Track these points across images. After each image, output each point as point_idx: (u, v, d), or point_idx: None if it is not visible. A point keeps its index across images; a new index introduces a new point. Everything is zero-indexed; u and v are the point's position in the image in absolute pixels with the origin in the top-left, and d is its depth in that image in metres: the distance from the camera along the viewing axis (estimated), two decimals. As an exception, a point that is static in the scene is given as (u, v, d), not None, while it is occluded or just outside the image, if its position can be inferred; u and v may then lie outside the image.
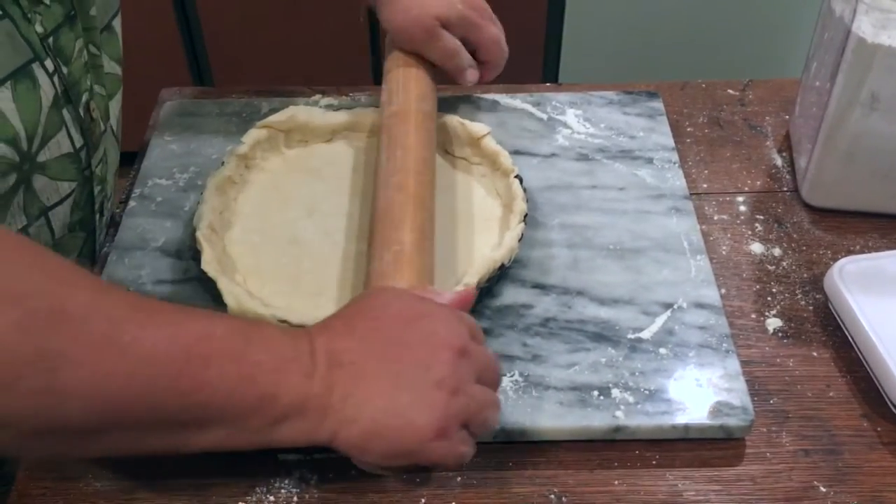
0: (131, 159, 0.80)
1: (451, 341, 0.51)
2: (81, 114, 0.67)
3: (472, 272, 0.65)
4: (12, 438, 0.46)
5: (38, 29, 0.61)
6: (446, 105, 0.83)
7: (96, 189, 0.72)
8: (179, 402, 0.47)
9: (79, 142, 0.67)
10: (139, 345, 0.46)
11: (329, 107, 0.83)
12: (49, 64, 0.62)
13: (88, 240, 0.74)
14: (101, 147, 0.72)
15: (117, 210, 0.76)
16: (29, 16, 0.60)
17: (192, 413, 0.48)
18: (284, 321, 0.62)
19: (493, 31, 0.78)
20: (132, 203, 0.75)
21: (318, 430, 0.49)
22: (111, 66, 0.73)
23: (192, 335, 0.48)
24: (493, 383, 0.54)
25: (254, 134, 0.77)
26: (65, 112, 0.65)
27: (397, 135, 0.70)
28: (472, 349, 0.52)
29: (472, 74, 0.78)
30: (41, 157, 0.63)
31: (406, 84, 0.75)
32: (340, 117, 0.80)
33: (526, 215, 0.70)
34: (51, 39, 0.62)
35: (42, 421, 0.45)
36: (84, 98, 0.67)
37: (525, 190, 0.72)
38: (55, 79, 0.63)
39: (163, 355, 0.46)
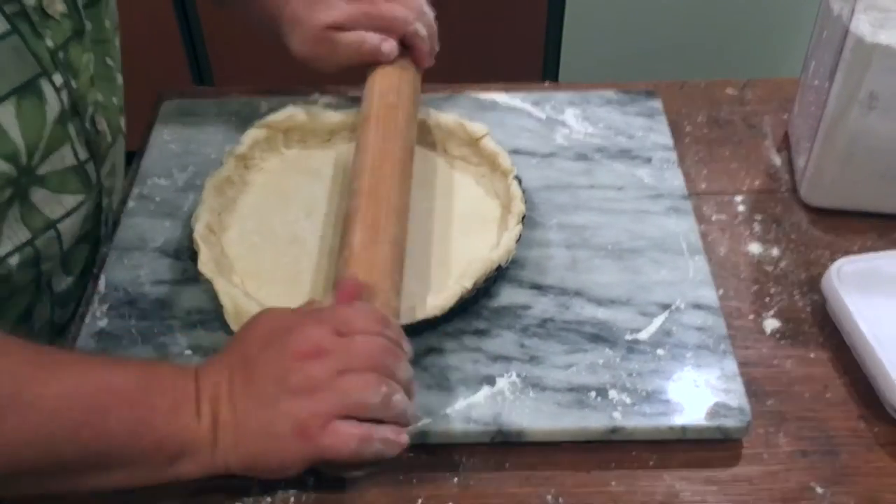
0: (130, 159, 0.80)
1: (299, 348, 0.54)
2: (87, 127, 0.67)
3: (469, 273, 0.65)
4: None
5: (49, 43, 0.61)
6: (446, 104, 0.83)
7: (104, 201, 0.72)
8: (81, 452, 0.52)
9: (84, 155, 0.67)
10: (42, 402, 0.50)
11: (328, 106, 0.83)
12: (57, 78, 0.62)
13: (92, 250, 0.74)
14: (110, 160, 0.72)
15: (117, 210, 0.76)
16: (39, 30, 0.60)
17: (94, 460, 0.52)
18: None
19: (392, 11, 0.75)
20: (131, 203, 0.75)
21: (212, 462, 0.54)
22: (119, 78, 0.74)
23: (91, 388, 0.53)
24: (367, 367, 0.54)
25: (252, 134, 0.77)
26: (70, 126, 0.65)
27: (360, 140, 0.69)
28: (329, 346, 0.54)
29: (386, 46, 0.74)
30: (41, 171, 0.63)
31: (370, 87, 0.74)
32: (340, 117, 0.80)
33: (524, 217, 0.69)
34: (61, 54, 0.62)
35: None
36: (90, 111, 0.68)
37: (524, 191, 0.72)
38: (62, 93, 0.63)
39: (64, 410, 0.51)
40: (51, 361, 0.54)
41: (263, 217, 0.73)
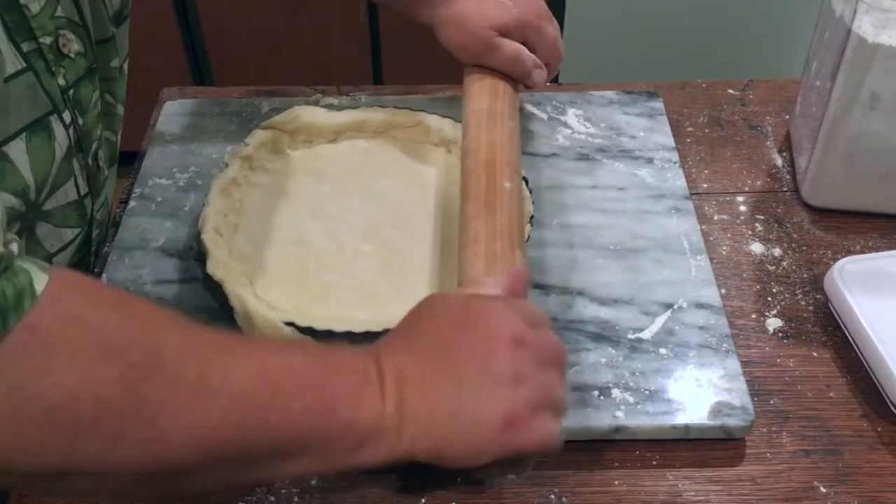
0: (131, 159, 0.80)
1: (503, 334, 0.52)
2: (90, 163, 0.67)
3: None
4: (115, 485, 0.48)
5: (61, 82, 0.61)
6: (446, 105, 0.83)
7: (94, 232, 0.72)
8: (268, 438, 0.48)
9: (84, 189, 0.67)
10: (228, 386, 0.47)
11: (329, 107, 0.83)
12: (67, 116, 0.62)
13: None
14: (104, 193, 0.72)
15: (117, 210, 0.76)
16: (53, 69, 0.60)
17: (280, 447, 0.49)
18: (290, 324, 0.62)
19: (552, 31, 0.77)
20: (132, 203, 0.75)
21: (396, 448, 0.50)
22: (119, 110, 0.74)
23: (274, 371, 0.49)
24: (557, 364, 0.53)
25: (258, 135, 0.77)
26: (74, 161, 0.65)
27: (471, 143, 0.69)
28: (528, 336, 0.52)
29: (538, 75, 0.76)
30: (47, 206, 0.63)
31: (478, 91, 0.74)
32: (345, 117, 0.80)
33: (532, 217, 0.70)
34: (71, 91, 0.62)
35: (143, 468, 0.46)
36: (94, 147, 0.68)
37: (531, 191, 0.72)
38: (71, 130, 0.63)
39: (250, 394, 0.48)
40: (231, 345, 0.51)
41: (270, 218, 0.73)
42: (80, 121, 0.64)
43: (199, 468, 0.48)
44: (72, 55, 0.61)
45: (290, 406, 0.48)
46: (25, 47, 0.57)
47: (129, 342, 0.46)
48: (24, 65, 0.57)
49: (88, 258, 0.73)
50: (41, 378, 0.43)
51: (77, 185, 0.66)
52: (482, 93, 0.73)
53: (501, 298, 0.56)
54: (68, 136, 0.63)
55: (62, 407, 0.43)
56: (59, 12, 0.59)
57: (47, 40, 0.59)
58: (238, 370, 0.48)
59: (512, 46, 0.74)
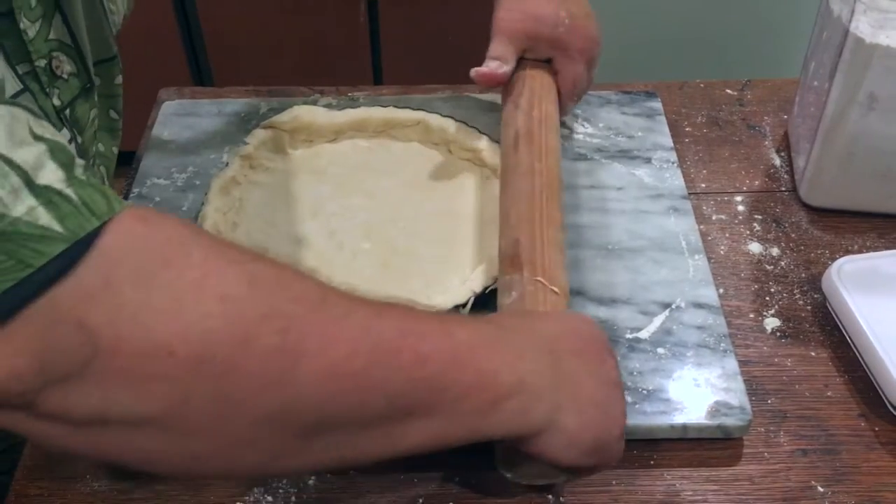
0: (130, 159, 0.81)
1: (605, 345, 0.54)
2: None
3: (480, 278, 0.65)
4: (246, 428, 0.42)
5: (56, 102, 0.61)
6: (446, 105, 0.83)
7: None
8: (401, 379, 0.45)
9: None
10: (357, 320, 0.44)
11: (329, 107, 0.83)
12: (65, 133, 0.62)
13: None
14: None
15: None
16: (47, 90, 0.60)
17: (411, 396, 0.45)
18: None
19: (575, 70, 0.77)
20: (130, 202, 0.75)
21: (532, 413, 0.48)
22: (120, 124, 0.74)
23: (398, 315, 0.47)
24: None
25: (258, 134, 0.77)
26: None
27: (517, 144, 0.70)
28: (612, 351, 0.54)
29: (482, 75, 0.75)
30: None
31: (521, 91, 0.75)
32: (345, 117, 0.80)
33: None
34: (67, 111, 0.63)
35: (275, 399, 0.42)
36: (91, 162, 0.68)
37: None
38: (71, 147, 0.63)
39: (379, 329, 0.45)
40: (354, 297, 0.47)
41: (269, 217, 0.73)
42: (79, 139, 0.65)
43: (321, 420, 0.44)
44: (64, 76, 0.62)
45: (422, 345, 0.45)
46: (21, 69, 0.58)
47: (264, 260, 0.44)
48: (22, 86, 0.58)
49: None
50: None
51: None
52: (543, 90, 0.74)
53: (581, 316, 0.58)
54: None
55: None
56: (51, 35, 0.60)
57: (41, 63, 0.60)
58: (364, 309, 0.45)
59: (499, 47, 0.75)
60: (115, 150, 0.74)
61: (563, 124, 0.82)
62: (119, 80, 0.70)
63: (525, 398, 0.48)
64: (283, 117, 0.78)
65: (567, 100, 0.78)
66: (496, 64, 0.75)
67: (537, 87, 0.75)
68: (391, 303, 0.48)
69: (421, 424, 0.46)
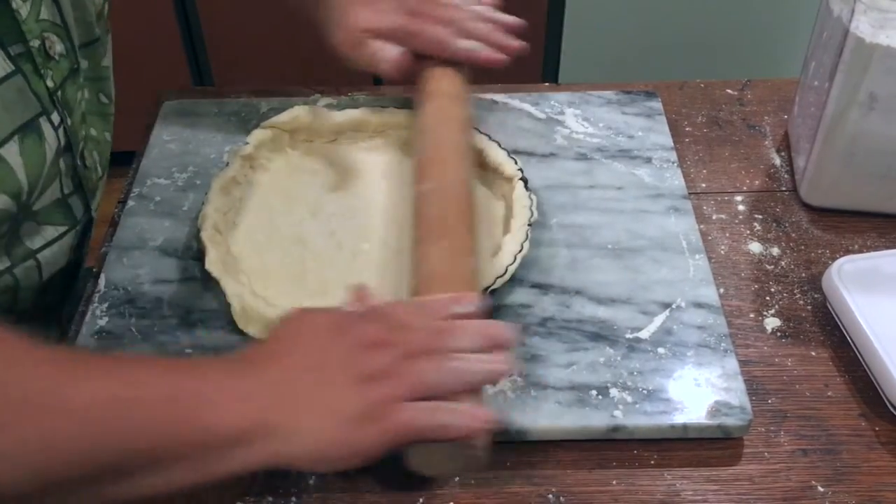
0: (130, 159, 0.80)
1: (363, 340, 0.54)
2: (77, 162, 0.67)
3: (483, 277, 0.65)
4: None
5: (49, 83, 0.61)
6: (445, 105, 0.83)
7: (93, 232, 0.72)
8: (128, 451, 0.49)
9: (68, 188, 0.67)
10: (77, 404, 0.48)
11: (329, 107, 0.83)
12: (55, 117, 0.62)
13: (72, 278, 0.74)
14: (100, 192, 0.72)
15: (116, 209, 0.76)
16: (42, 71, 0.60)
17: (144, 459, 0.49)
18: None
19: (433, 33, 0.75)
20: (131, 202, 0.75)
21: (269, 452, 0.51)
22: (111, 109, 0.74)
23: (121, 382, 0.50)
24: (429, 351, 0.54)
25: (258, 134, 0.77)
26: (61, 161, 0.65)
27: (419, 144, 0.70)
28: (389, 338, 0.54)
29: (393, 65, 0.74)
30: (36, 206, 0.63)
31: (423, 93, 0.74)
32: (345, 117, 0.80)
33: (531, 217, 0.70)
34: (59, 93, 0.63)
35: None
36: (80, 146, 0.68)
37: (530, 191, 0.72)
38: (60, 131, 0.63)
39: (102, 410, 0.48)
40: (83, 362, 0.52)
41: (269, 217, 0.73)
42: (69, 121, 0.64)
43: (62, 487, 0.48)
44: (56, 57, 0.62)
45: (146, 417, 0.49)
46: (13, 51, 0.58)
47: None
48: (13, 68, 0.58)
49: (84, 258, 0.73)
50: None
51: (62, 184, 0.66)
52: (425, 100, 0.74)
53: (366, 309, 0.57)
54: (58, 137, 0.63)
55: None
56: (42, 15, 0.60)
57: (35, 43, 0.59)
58: (88, 388, 0.49)
59: (376, 47, 0.74)
60: (109, 136, 0.73)
61: (562, 124, 0.82)
62: (106, 62, 0.70)
63: (255, 443, 0.50)
64: (283, 117, 0.78)
65: (446, 53, 0.75)
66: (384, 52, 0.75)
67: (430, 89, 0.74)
68: (143, 359, 0.54)
69: (170, 473, 0.50)
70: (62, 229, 0.68)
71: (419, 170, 0.68)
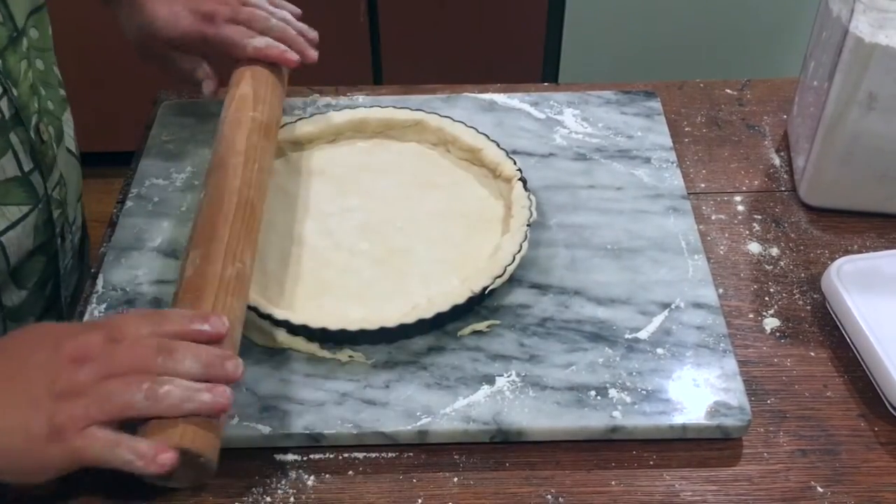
0: (128, 159, 0.80)
1: (69, 353, 0.53)
2: (32, 136, 0.66)
3: (480, 280, 0.65)
4: None
5: None
6: (445, 105, 0.83)
7: (55, 213, 0.71)
8: None
9: (28, 165, 0.66)
10: None
11: (328, 107, 0.83)
12: None
13: (50, 264, 0.73)
14: (57, 170, 0.71)
15: (114, 210, 0.76)
16: None
17: None
18: (285, 321, 0.62)
19: (227, 34, 0.75)
20: (129, 203, 0.75)
21: None
22: (60, 90, 0.73)
23: None
24: (131, 370, 0.53)
25: None
26: (12, 136, 0.64)
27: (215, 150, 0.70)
28: (97, 352, 0.53)
29: (206, 86, 0.77)
30: None
31: (228, 95, 0.74)
32: (344, 117, 0.80)
33: (530, 217, 0.70)
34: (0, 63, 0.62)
35: None
36: (34, 120, 0.67)
37: (529, 191, 0.72)
38: (3, 102, 0.62)
39: None
40: None
41: (267, 217, 0.72)
42: (15, 92, 0.63)
43: None
44: None
45: None
46: None
47: None
48: None
49: (54, 240, 0.73)
50: None
51: (18, 161, 0.65)
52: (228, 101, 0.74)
53: (96, 320, 0.57)
54: (1, 109, 0.62)
55: None
56: None
57: None
58: None
59: (184, 60, 0.76)
60: (60, 109, 0.72)
61: (561, 124, 0.82)
62: (50, 30, 0.69)
63: None
64: (282, 134, 0.77)
65: (241, 51, 0.76)
66: (198, 72, 0.78)
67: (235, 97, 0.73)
68: None
69: None
70: (25, 209, 0.67)
71: (204, 177, 0.67)
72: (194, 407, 0.52)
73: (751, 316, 0.68)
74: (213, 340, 0.55)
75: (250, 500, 0.57)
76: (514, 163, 0.74)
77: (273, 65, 0.76)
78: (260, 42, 0.75)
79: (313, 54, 0.78)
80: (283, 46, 0.76)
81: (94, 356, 0.53)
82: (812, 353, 0.66)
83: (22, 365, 0.53)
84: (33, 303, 0.73)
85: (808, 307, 0.69)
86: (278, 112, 0.75)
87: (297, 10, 0.80)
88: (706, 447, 0.60)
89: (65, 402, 0.51)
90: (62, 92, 0.75)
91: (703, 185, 0.79)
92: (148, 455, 0.51)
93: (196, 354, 0.54)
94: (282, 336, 0.64)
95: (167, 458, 0.51)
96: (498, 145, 0.76)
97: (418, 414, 0.60)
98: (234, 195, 0.64)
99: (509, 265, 0.66)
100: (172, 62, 0.77)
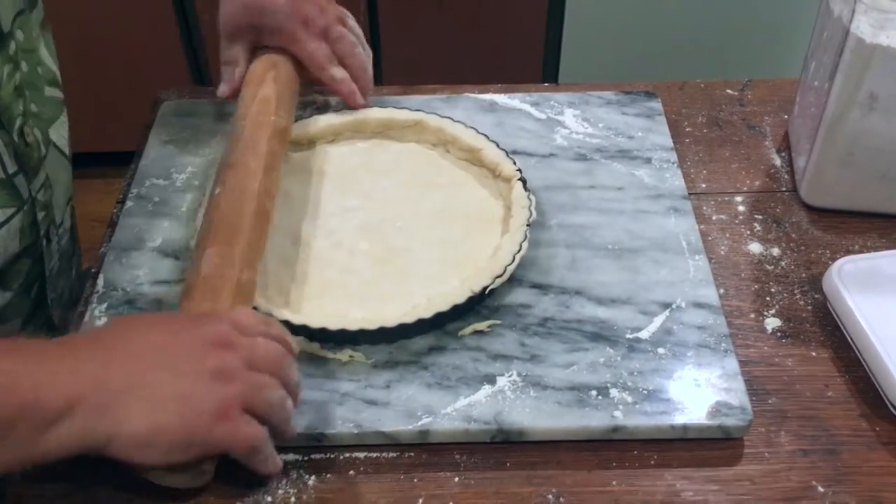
0: (129, 159, 0.80)
1: (212, 337, 0.54)
2: (15, 139, 0.66)
3: (480, 279, 0.65)
4: None
5: None
6: (445, 105, 0.83)
7: (40, 216, 0.71)
8: None
9: (12, 168, 0.66)
10: None
11: (328, 107, 0.83)
12: None
13: (35, 266, 0.73)
14: (42, 173, 0.71)
15: (114, 210, 0.76)
16: None
17: None
18: (286, 321, 0.62)
19: (310, 48, 0.77)
20: (129, 203, 0.75)
21: (94, 430, 0.50)
22: (50, 91, 0.73)
23: None
24: (269, 369, 0.55)
25: None
26: None
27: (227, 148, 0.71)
28: (238, 341, 0.54)
29: (223, 90, 0.79)
30: None
31: (244, 91, 0.76)
32: (344, 118, 0.80)
33: (530, 217, 0.69)
34: None
35: None
36: (18, 123, 0.66)
37: (529, 192, 0.71)
38: None
39: None
40: None
41: (266, 216, 0.73)
42: None
43: None
44: None
45: None
46: None
47: None
48: None
49: (39, 242, 0.72)
50: None
51: (2, 163, 0.65)
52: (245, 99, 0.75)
53: (211, 312, 0.58)
54: None
55: None
56: None
57: None
58: None
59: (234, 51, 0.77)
60: (47, 112, 0.72)
61: (561, 124, 0.82)
62: (35, 33, 0.69)
63: (79, 418, 0.49)
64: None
65: (319, 72, 0.78)
66: (229, 70, 0.78)
67: (263, 92, 0.74)
68: None
69: None
70: (9, 211, 0.67)
71: (219, 172, 0.68)
72: (288, 430, 0.56)
73: (752, 316, 0.68)
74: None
75: (251, 499, 0.57)
76: (514, 163, 0.74)
77: (296, 65, 0.78)
78: (338, 73, 0.78)
79: (366, 101, 0.80)
80: (353, 87, 0.78)
81: (235, 344, 0.54)
82: (813, 353, 0.66)
83: (169, 338, 0.54)
84: (18, 304, 0.72)
85: (810, 307, 0.69)
86: (293, 118, 0.76)
87: (371, 55, 0.82)
88: (707, 447, 0.60)
89: (222, 383, 0.52)
90: (58, 93, 0.74)
91: (703, 186, 0.79)
92: (279, 465, 0.55)
93: (295, 374, 0.57)
94: (282, 336, 0.64)
95: (280, 464, 0.56)
96: (498, 145, 0.76)
97: (419, 414, 0.60)
98: (252, 201, 0.65)
99: (509, 265, 0.66)
100: (228, 47, 0.78)
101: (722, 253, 0.73)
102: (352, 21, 0.81)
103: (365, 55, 0.80)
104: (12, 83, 0.65)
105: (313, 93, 0.86)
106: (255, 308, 0.63)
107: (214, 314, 0.57)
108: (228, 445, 0.53)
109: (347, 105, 0.79)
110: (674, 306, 0.67)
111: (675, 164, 0.78)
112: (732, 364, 0.63)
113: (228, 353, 0.54)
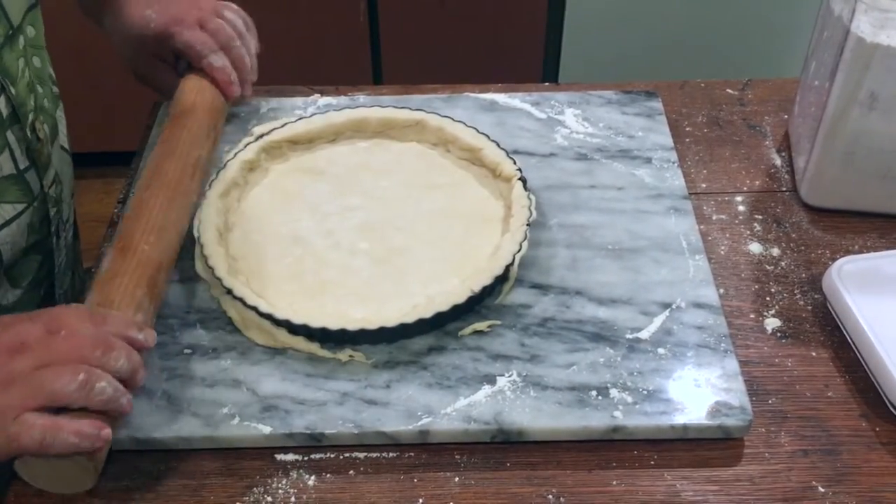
0: (129, 159, 0.80)
1: (9, 343, 0.53)
2: (28, 134, 0.66)
3: (479, 279, 0.65)
4: None
5: None
6: (446, 105, 0.83)
7: (52, 211, 0.71)
8: None
9: (23, 163, 0.66)
10: None
11: (328, 106, 0.83)
12: None
13: (45, 262, 0.73)
14: (52, 168, 0.71)
15: (115, 210, 0.76)
16: None
17: None
18: (286, 321, 0.62)
19: (186, 37, 0.77)
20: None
21: None
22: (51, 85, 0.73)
23: None
24: (67, 360, 0.54)
25: (256, 146, 0.76)
26: (9, 133, 0.64)
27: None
28: (33, 342, 0.53)
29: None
30: None
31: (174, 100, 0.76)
32: (344, 117, 0.80)
33: (530, 217, 0.69)
34: None
35: None
36: (30, 118, 0.67)
37: (529, 191, 0.71)
38: (1, 99, 0.62)
39: None
40: None
41: (267, 217, 0.73)
42: (12, 90, 0.63)
43: None
44: None
45: None
46: None
47: None
48: None
49: (49, 238, 0.73)
50: None
51: (14, 159, 0.65)
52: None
53: (35, 311, 0.57)
54: None
55: None
56: None
57: None
58: None
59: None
60: (54, 106, 0.72)
61: (562, 124, 0.82)
62: (42, 28, 0.69)
63: None
64: (284, 133, 0.77)
65: (198, 61, 0.77)
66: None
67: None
68: None
69: None
70: (20, 207, 0.67)
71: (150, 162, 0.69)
72: (117, 407, 0.54)
73: (752, 316, 0.68)
74: (140, 350, 0.57)
75: (251, 499, 0.57)
76: (514, 162, 0.74)
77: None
78: (217, 60, 0.77)
79: (247, 92, 0.80)
80: (233, 76, 0.78)
81: (31, 346, 0.53)
82: (813, 354, 0.66)
83: None
84: (28, 301, 0.72)
85: (809, 307, 0.69)
86: (209, 148, 0.75)
87: (258, 47, 0.82)
88: (707, 447, 0.60)
89: (2, 391, 0.52)
90: (55, 89, 0.75)
91: (704, 186, 0.79)
92: (92, 434, 0.52)
93: (129, 356, 0.55)
94: (282, 336, 0.64)
95: (108, 433, 0.53)
96: (498, 145, 0.76)
97: (419, 414, 0.60)
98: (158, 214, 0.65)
99: (509, 265, 0.66)
100: (163, 77, 0.79)
101: (722, 253, 0.73)
102: (230, 13, 0.80)
103: (251, 45, 0.80)
104: (25, 78, 0.66)
105: (314, 93, 0.86)
106: (255, 308, 0.63)
107: (31, 314, 0.56)
108: (9, 449, 0.52)
109: (224, 94, 0.78)
110: (674, 306, 0.67)
111: (676, 164, 0.78)
112: (732, 364, 0.63)
113: (18, 357, 0.53)
